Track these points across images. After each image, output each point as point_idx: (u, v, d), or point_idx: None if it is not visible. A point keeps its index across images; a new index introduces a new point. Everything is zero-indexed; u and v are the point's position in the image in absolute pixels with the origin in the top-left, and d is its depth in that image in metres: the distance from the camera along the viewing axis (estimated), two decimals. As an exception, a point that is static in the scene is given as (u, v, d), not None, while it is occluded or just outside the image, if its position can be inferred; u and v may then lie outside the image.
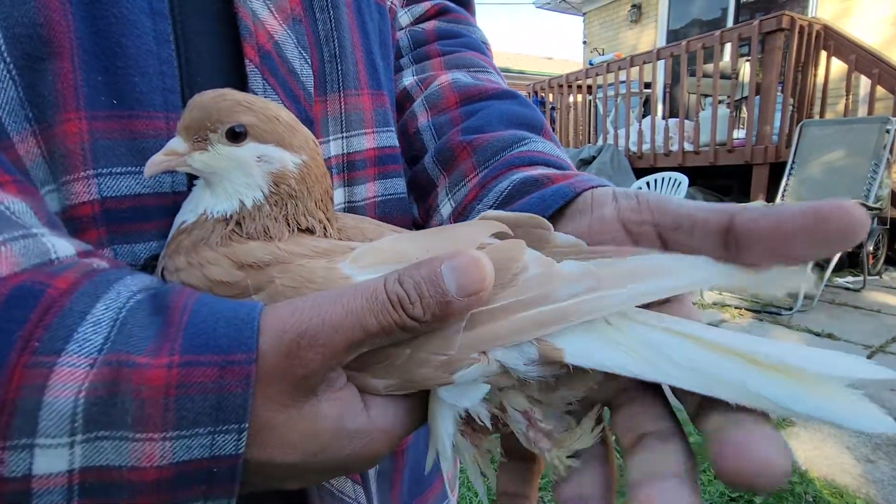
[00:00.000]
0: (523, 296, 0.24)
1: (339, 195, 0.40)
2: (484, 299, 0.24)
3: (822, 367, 0.21)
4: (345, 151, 0.41)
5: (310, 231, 0.30)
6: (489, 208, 0.37)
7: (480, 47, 0.55)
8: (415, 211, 0.48)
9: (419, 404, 0.26)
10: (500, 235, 0.29)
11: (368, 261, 0.26)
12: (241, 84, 0.33)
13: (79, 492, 0.21)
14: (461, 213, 0.40)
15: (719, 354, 0.22)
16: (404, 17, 0.55)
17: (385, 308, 0.23)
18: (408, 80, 0.51)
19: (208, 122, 0.28)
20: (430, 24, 0.55)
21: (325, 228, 0.30)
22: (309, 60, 0.36)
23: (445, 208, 0.42)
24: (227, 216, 0.29)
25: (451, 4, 0.57)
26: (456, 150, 0.42)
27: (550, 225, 0.30)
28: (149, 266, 0.31)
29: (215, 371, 0.22)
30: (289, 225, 0.29)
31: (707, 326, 0.24)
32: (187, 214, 0.29)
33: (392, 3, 0.50)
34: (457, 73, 0.49)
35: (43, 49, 0.27)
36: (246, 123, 0.28)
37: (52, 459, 0.20)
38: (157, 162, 0.28)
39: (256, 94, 0.33)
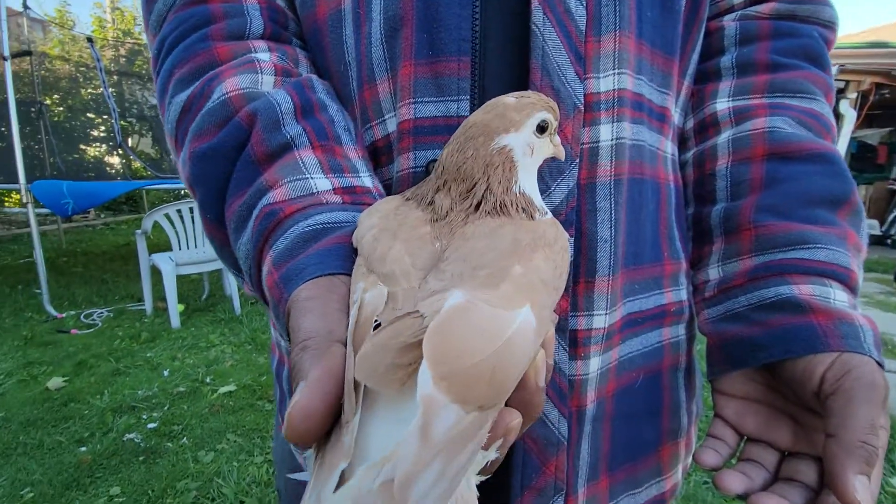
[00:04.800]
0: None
1: (606, 131, 0.42)
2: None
3: None
4: (615, 87, 0.42)
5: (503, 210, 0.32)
6: (747, 310, 0.44)
7: (820, 54, 0.49)
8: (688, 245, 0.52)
9: None
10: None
11: (370, 287, 0.29)
12: (524, 22, 0.40)
13: None
14: (724, 291, 0.46)
15: None
16: None
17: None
18: (721, 104, 0.50)
19: None
20: (766, 8, 0.49)
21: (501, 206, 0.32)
22: (584, 2, 0.40)
23: (713, 272, 0.48)
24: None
25: None
26: (742, 225, 0.46)
27: None
28: (429, 167, 0.41)
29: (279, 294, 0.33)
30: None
31: None
32: None
33: None
34: (777, 119, 0.47)
35: (398, 22, 0.41)
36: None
37: None
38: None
39: (537, 28, 0.40)
